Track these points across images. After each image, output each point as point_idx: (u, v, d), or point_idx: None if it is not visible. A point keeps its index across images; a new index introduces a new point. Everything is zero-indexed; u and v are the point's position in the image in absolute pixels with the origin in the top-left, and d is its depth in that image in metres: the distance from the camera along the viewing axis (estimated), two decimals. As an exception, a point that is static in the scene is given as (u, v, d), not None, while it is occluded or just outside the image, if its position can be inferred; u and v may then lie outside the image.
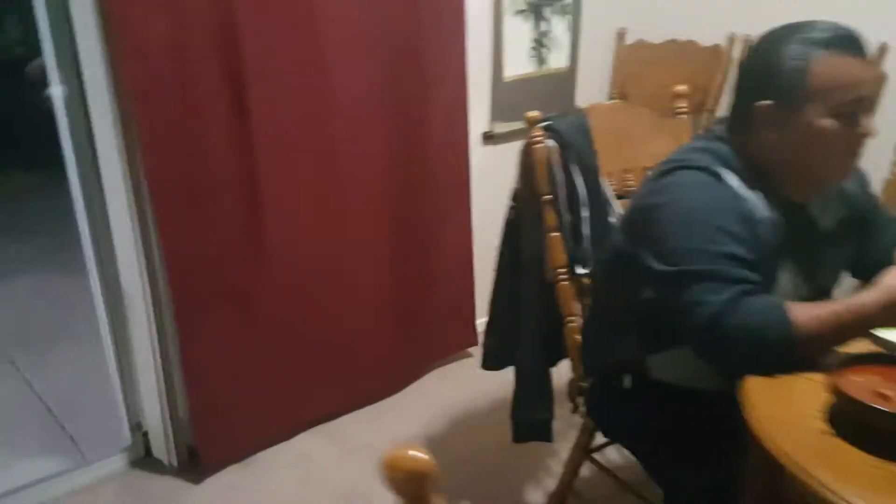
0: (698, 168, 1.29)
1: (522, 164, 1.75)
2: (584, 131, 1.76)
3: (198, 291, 2.05)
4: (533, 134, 1.70)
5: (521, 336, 1.84)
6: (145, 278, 2.04)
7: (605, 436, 1.59)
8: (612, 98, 3.10)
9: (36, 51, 4.49)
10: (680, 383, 1.40)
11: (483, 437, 2.37)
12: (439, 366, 2.77)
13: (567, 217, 1.72)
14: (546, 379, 1.84)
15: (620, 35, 3.08)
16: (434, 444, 2.35)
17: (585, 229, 1.74)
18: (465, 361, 2.81)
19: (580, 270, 1.74)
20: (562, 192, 1.71)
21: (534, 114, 1.71)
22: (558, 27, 2.84)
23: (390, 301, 2.52)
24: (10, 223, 4.36)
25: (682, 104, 1.93)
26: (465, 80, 2.50)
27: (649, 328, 1.39)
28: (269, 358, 2.25)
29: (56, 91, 1.94)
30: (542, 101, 2.88)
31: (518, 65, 2.76)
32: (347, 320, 2.41)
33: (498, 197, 2.85)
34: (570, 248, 1.73)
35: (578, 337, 1.70)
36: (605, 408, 1.58)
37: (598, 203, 1.77)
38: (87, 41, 1.83)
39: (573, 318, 1.72)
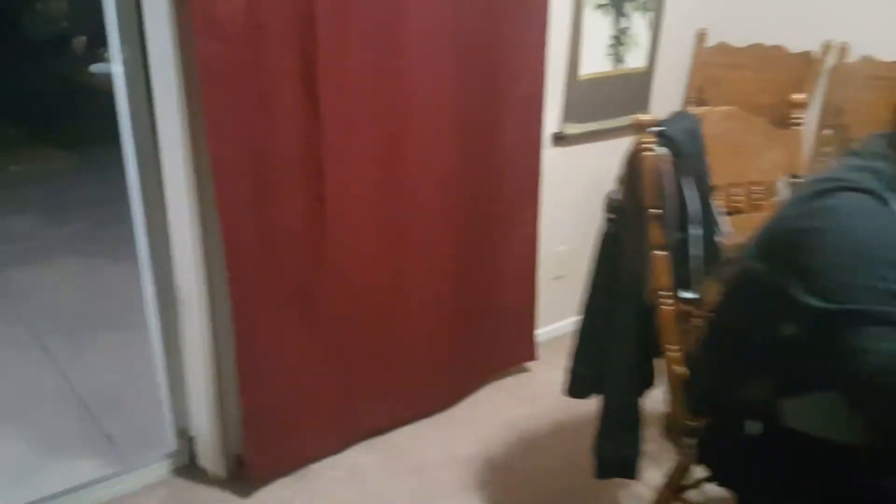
0: (864, 191, 1.12)
1: (628, 172, 1.58)
2: (697, 139, 1.59)
3: (257, 291, 1.91)
4: (642, 139, 1.53)
5: (612, 363, 1.67)
6: (202, 272, 1.90)
7: (721, 486, 1.42)
8: (687, 103, 2.92)
9: (80, 26, 4.42)
10: (821, 435, 1.23)
11: (546, 459, 2.21)
12: (495, 380, 2.61)
13: (675, 234, 1.55)
14: (637, 412, 1.68)
15: (700, 36, 2.90)
16: (494, 465, 2.19)
17: (694, 249, 1.57)
18: (521, 376, 2.65)
19: (685, 294, 1.57)
20: (671, 207, 1.54)
21: (644, 117, 1.54)
22: (638, 24, 2.66)
23: (450, 308, 2.37)
24: (48, 204, 4.24)
25: (799, 114, 1.76)
26: (543, 77, 2.33)
27: (788, 368, 1.23)
28: (325, 365, 2.11)
29: (117, 67, 1.79)
30: (617, 102, 2.73)
31: (594, 63, 2.60)
32: (406, 327, 2.26)
33: (565, 202, 2.71)
34: (676, 269, 1.56)
35: (681, 369, 1.53)
36: (724, 456, 1.41)
37: (708, 220, 1.60)
38: (155, 14, 1.69)
39: (674, 346, 1.56)
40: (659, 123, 1.55)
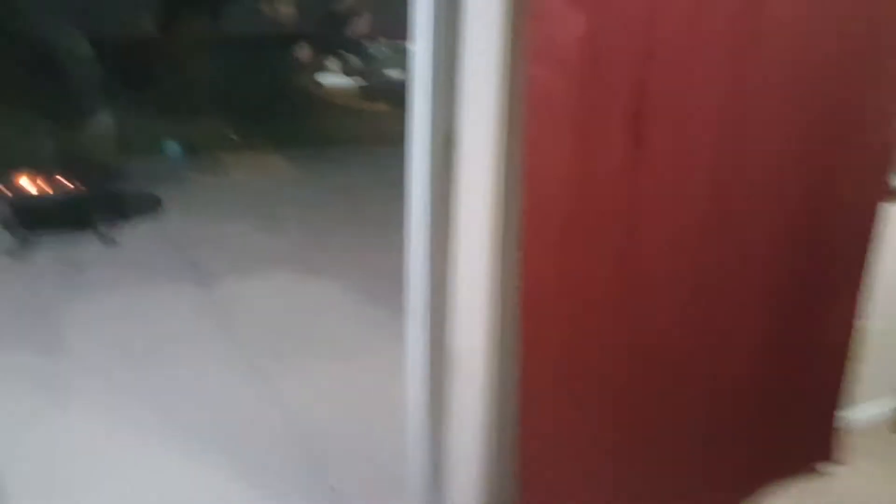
0: None
1: None
2: None
3: (551, 357, 1.59)
4: None
5: None
6: (491, 324, 1.59)
7: None
8: None
9: (306, 32, 4.35)
10: None
11: None
12: (783, 484, 2.11)
13: None
14: None
15: None
16: None
17: None
18: (818, 483, 2.13)
19: None
20: None
21: None
22: None
23: (743, 389, 1.94)
24: (263, 212, 4.13)
25: None
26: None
27: None
28: (601, 447, 1.75)
29: (422, 71, 1.51)
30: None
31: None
32: (691, 409, 1.86)
33: (891, 269, 2.20)
34: None
35: None
36: None
37: None
38: (482, 33, 1.42)
39: None
40: None
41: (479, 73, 1.45)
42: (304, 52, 4.29)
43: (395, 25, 4.20)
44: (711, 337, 1.81)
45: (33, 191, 3.71)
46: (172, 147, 4.96)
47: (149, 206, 4.14)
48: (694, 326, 1.77)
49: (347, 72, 4.06)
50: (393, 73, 4.00)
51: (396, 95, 4.30)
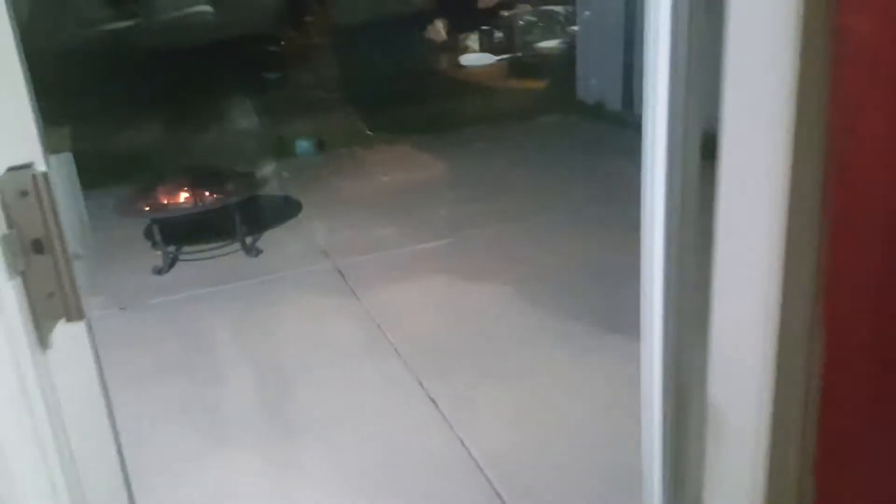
0: None
1: None
2: None
3: (856, 415, 1.16)
4: None
5: None
6: (764, 372, 1.19)
7: None
8: None
9: (438, 7, 4.01)
10: None
11: None
12: None
13: None
14: None
15: None
16: None
17: None
18: None
19: None
20: None
21: None
22: None
23: None
24: (405, 209, 3.81)
25: None
26: None
27: None
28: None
29: (660, 50, 1.12)
30: None
31: None
32: None
33: None
34: None
35: None
36: None
37: None
38: None
39: None
40: None
41: (757, 32, 1.03)
42: (437, 31, 3.95)
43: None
44: None
45: (176, 206, 3.60)
46: (305, 146, 4.79)
47: (289, 211, 3.97)
48: None
49: (490, 48, 3.68)
50: (542, 44, 3.59)
51: (548, 67, 3.92)
